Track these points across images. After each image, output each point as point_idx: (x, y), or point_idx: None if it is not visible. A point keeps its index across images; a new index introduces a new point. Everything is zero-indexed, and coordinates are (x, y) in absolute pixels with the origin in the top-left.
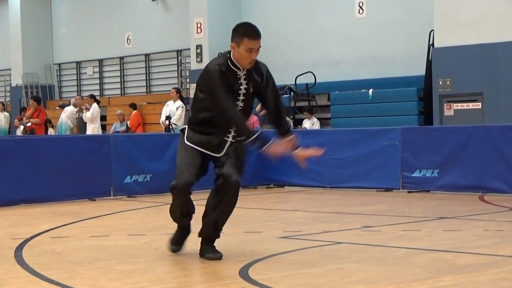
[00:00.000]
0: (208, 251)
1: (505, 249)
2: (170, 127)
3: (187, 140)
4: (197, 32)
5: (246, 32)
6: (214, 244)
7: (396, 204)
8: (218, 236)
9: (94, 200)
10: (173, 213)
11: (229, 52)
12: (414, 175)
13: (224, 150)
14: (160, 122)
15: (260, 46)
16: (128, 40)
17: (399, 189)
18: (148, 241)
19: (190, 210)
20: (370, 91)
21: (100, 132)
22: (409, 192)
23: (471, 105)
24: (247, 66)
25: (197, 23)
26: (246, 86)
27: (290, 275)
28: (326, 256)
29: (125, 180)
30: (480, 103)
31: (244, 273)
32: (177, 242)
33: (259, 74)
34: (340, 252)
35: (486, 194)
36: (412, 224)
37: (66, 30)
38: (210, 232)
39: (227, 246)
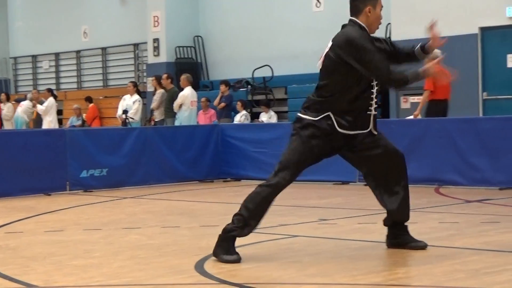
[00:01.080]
0: (411, 240)
1: (459, 241)
2: (127, 121)
3: (340, 128)
4: (154, 26)
5: None
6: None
7: (352, 197)
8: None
9: (50, 195)
10: (257, 207)
11: (353, 22)
12: None
13: (371, 125)
14: (117, 116)
15: None
16: (85, 34)
17: (356, 182)
18: (103, 235)
19: None
20: None
21: (56, 126)
22: (365, 185)
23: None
24: (374, 31)
25: (154, 17)
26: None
27: (246, 269)
28: (282, 249)
29: (81, 175)
30: None
31: (199, 267)
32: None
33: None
34: (296, 245)
35: (442, 187)
36: (367, 217)
37: (22, 23)
38: (406, 213)
39: (183, 240)
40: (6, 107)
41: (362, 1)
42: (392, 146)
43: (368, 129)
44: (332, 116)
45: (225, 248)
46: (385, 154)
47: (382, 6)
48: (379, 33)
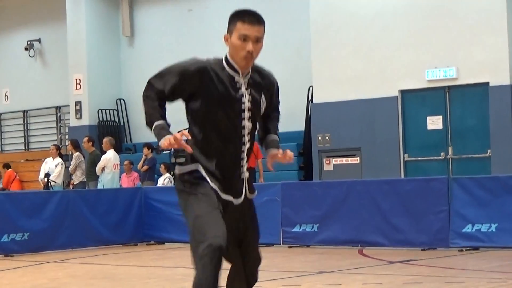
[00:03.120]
0: None
1: None
2: (49, 184)
3: None
4: (76, 89)
5: (241, 15)
6: None
7: (277, 259)
8: None
9: None
10: None
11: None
12: (294, 230)
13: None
14: (39, 179)
15: (261, 39)
16: (6, 96)
17: (280, 244)
18: None
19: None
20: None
21: None
22: (290, 247)
23: (349, 160)
24: (243, 63)
25: (76, 79)
26: (249, 97)
27: None
28: None
29: (2, 239)
30: (358, 158)
31: None
32: None
33: (263, 82)
34: None
35: (365, 248)
36: (292, 279)
37: None
38: None
39: None
40: None
41: (228, 26)
42: None
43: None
44: None
45: None
46: None
47: (246, 35)
48: (302, 96)
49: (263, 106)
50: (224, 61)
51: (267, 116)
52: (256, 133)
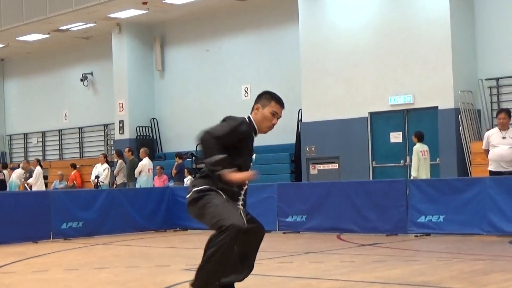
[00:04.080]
0: None
1: (356, 276)
2: (98, 184)
3: None
4: (119, 111)
5: (275, 97)
6: None
7: (274, 243)
8: None
9: (37, 242)
10: (218, 269)
11: (249, 117)
12: (287, 219)
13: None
14: (91, 180)
15: (280, 117)
16: (65, 116)
17: (276, 230)
18: (80, 274)
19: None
20: (254, 156)
21: (43, 188)
22: (284, 233)
23: (330, 166)
24: (266, 130)
25: (119, 103)
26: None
27: None
28: None
29: (62, 226)
30: (337, 164)
31: None
32: None
33: None
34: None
35: (342, 234)
36: (285, 258)
37: (15, 109)
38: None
39: (142, 277)
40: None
41: (257, 99)
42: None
43: None
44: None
45: None
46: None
47: (276, 113)
48: (293, 116)
49: None
50: (249, 122)
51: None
52: None
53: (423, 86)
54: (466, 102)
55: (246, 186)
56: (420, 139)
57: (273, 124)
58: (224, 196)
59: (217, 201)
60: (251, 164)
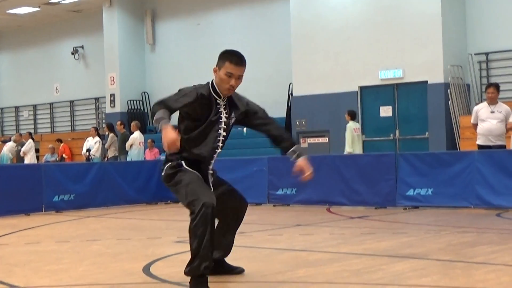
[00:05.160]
0: (230, 267)
1: (345, 248)
2: (90, 157)
3: None
4: (110, 84)
5: (230, 56)
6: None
7: (264, 215)
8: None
9: (29, 215)
10: (202, 249)
11: (213, 80)
12: (277, 192)
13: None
14: (82, 153)
15: (242, 76)
16: (57, 90)
17: (267, 203)
18: (71, 246)
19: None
20: (244, 129)
21: (34, 161)
22: (274, 206)
23: (320, 140)
24: (225, 92)
25: (110, 77)
26: (226, 116)
27: (183, 271)
28: None
29: (54, 199)
30: (327, 138)
31: (146, 270)
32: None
33: (239, 104)
34: None
35: (332, 207)
36: (276, 230)
37: (6, 82)
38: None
39: (133, 249)
40: None
41: (217, 61)
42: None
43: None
44: None
45: None
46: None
47: (231, 74)
48: (284, 90)
49: (237, 123)
50: (210, 86)
51: (264, 124)
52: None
53: (413, 61)
54: (455, 77)
55: (215, 155)
56: (353, 117)
57: (231, 86)
58: (195, 172)
59: (188, 178)
60: (219, 131)
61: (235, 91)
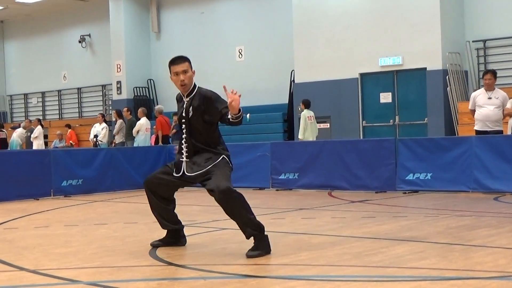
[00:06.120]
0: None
1: (347, 231)
2: (97, 143)
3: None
4: (117, 71)
5: (171, 61)
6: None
7: (267, 199)
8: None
9: (38, 199)
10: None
11: None
12: (280, 177)
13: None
14: (89, 139)
15: (187, 70)
16: (64, 77)
17: (270, 188)
18: (80, 230)
19: None
20: (248, 115)
21: (43, 147)
22: (277, 190)
23: (322, 125)
24: (181, 89)
25: (117, 64)
26: (185, 111)
27: (187, 254)
28: (214, 239)
29: (62, 184)
30: (328, 124)
31: (153, 253)
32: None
33: (200, 99)
34: (225, 236)
35: (333, 191)
36: (278, 214)
37: (15, 70)
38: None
39: (140, 233)
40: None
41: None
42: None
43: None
44: None
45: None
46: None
47: (176, 73)
48: (286, 77)
49: (204, 115)
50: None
51: (223, 116)
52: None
53: (412, 48)
54: (453, 64)
55: (183, 146)
56: (307, 106)
57: (182, 80)
58: (172, 162)
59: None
60: (183, 125)
61: (206, 90)
